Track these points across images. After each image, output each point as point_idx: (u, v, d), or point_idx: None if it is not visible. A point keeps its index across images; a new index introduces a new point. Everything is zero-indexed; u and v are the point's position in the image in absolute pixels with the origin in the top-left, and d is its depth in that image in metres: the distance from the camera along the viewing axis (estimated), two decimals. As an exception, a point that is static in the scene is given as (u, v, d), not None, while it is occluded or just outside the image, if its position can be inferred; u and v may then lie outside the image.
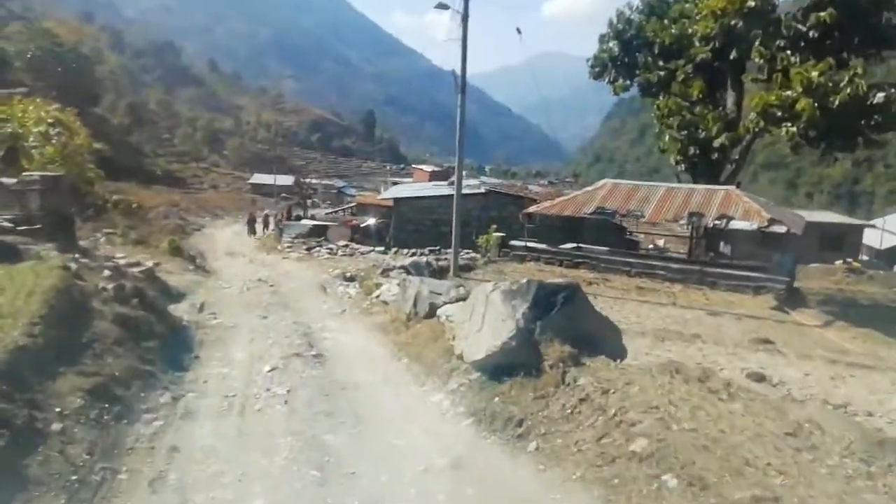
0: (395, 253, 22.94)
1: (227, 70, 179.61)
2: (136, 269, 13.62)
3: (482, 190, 26.38)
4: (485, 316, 7.27)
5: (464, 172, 32.64)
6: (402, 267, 16.07)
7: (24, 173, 14.29)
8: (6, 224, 12.75)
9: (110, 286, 9.36)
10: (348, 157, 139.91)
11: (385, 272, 15.61)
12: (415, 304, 10.38)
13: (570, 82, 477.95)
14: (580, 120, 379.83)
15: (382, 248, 23.56)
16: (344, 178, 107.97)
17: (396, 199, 26.13)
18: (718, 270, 20.27)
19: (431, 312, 9.97)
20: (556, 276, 17.45)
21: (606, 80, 27.29)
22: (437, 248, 23.39)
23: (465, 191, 26.59)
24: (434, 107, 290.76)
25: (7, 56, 62.81)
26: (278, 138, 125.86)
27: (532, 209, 24.15)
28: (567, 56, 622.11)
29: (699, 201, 21.48)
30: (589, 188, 25.01)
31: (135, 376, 7.30)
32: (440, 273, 16.53)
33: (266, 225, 37.61)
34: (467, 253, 22.43)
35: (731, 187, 22.87)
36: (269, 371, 8.53)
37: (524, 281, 7.40)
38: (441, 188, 27.39)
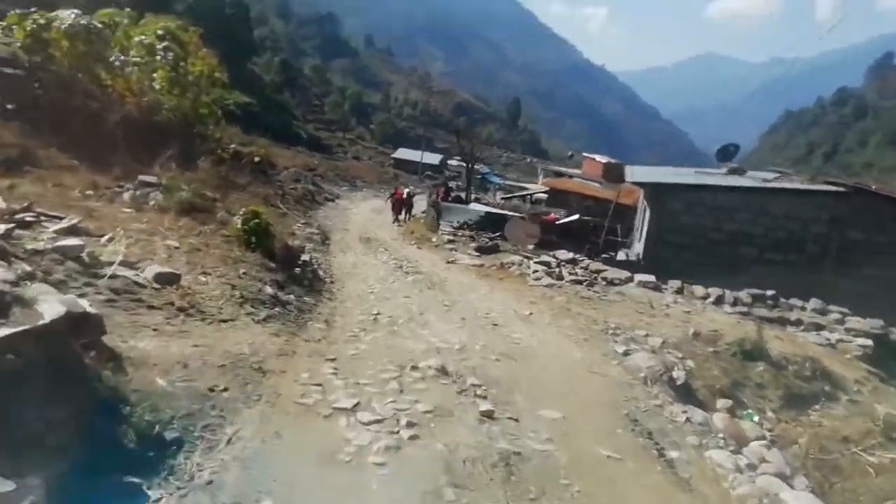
0: (681, 292, 10.86)
1: (381, 46, 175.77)
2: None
3: (837, 188, 13.44)
4: None
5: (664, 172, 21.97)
6: None
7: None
8: None
9: None
10: (489, 146, 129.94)
11: None
12: None
13: (726, 89, 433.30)
14: (734, 130, 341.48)
15: (651, 277, 11.46)
16: (486, 164, 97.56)
17: (656, 188, 14.01)
18: None
19: None
20: None
21: None
22: (769, 295, 10.86)
23: (797, 185, 13.87)
24: (578, 103, 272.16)
25: (168, 1, 58.46)
26: (423, 117, 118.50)
27: None
28: (727, 60, 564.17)
29: None
30: None
31: None
32: None
33: (408, 207, 25.51)
34: (840, 317, 9.86)
35: None
36: None
37: None
38: (740, 178, 14.82)
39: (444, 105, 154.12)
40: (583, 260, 12.18)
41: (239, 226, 8.23)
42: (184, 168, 17.69)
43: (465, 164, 28.19)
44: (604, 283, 11.01)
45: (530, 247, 19.04)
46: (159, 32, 20.27)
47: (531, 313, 8.20)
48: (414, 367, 5.36)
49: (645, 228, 13.97)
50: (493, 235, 19.70)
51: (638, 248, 14.53)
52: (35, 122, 15.29)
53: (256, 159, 27.20)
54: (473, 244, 18.71)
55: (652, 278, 11.17)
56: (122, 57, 18.51)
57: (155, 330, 4.49)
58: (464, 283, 10.76)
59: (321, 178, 40.65)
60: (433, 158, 69.95)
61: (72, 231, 6.49)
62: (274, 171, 31.15)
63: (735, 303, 10.65)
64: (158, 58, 19.42)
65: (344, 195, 36.14)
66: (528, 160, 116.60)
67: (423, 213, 25.45)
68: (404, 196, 24.28)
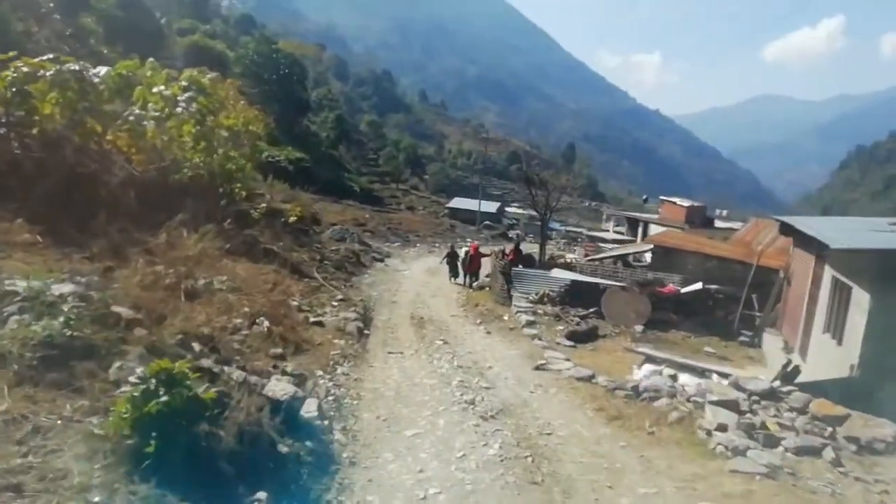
0: None
1: (434, 101, 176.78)
2: None
3: None
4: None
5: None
6: None
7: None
8: None
9: None
10: (569, 195, 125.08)
11: None
12: None
13: (787, 128, 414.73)
14: (798, 168, 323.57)
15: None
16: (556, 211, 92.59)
17: (885, 256, 8.65)
18: None
19: None
20: None
21: None
22: None
23: None
24: (633, 145, 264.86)
25: (226, 60, 57.87)
26: (477, 165, 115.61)
27: None
28: (787, 99, 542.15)
29: None
30: None
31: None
32: None
33: (471, 266, 21.18)
34: None
35: None
36: None
37: None
38: None
39: (498, 153, 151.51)
40: (788, 391, 6.89)
41: (126, 413, 3.54)
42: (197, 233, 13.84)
43: (538, 217, 22.91)
44: (854, 447, 5.70)
45: (639, 328, 13.83)
46: (183, 84, 16.86)
47: None
48: None
49: (859, 323, 8.51)
50: (584, 313, 14.61)
51: (846, 353, 9.01)
52: (8, 189, 11.75)
53: (293, 218, 23.28)
54: (561, 327, 13.67)
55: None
56: (136, 111, 15.06)
57: None
58: (591, 455, 5.74)
59: (371, 233, 36.81)
60: (490, 206, 65.75)
61: None
62: (317, 230, 27.40)
63: None
64: (179, 110, 15.88)
65: (395, 252, 31.94)
66: (588, 204, 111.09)
67: (487, 276, 20.65)
68: (461, 253, 19.63)
